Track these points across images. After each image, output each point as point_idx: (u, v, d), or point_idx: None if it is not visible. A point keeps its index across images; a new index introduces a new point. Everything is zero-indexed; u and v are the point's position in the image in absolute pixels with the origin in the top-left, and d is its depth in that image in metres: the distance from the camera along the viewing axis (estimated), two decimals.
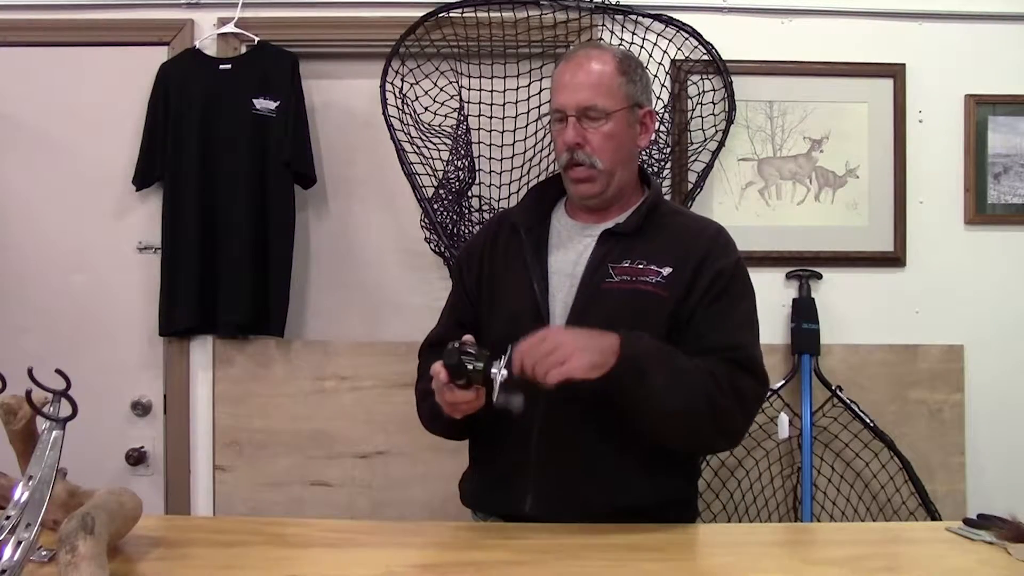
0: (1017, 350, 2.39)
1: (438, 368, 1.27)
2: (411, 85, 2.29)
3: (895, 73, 2.38)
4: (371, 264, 2.45)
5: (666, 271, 1.41)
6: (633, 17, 2.32)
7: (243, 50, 2.36)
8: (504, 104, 2.30)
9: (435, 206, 2.23)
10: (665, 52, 2.33)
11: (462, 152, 2.28)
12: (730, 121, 2.31)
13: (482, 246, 1.58)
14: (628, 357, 1.26)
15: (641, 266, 1.41)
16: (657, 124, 2.26)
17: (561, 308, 1.42)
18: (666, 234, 1.46)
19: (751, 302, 1.46)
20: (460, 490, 1.54)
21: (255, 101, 2.28)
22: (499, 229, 1.57)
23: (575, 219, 1.52)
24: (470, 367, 1.24)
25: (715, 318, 1.39)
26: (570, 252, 1.47)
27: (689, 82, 2.33)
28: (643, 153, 2.22)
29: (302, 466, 2.35)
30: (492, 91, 2.30)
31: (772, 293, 2.35)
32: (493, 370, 1.24)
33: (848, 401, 2.28)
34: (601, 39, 2.31)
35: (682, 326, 1.40)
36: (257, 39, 2.33)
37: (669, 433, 1.36)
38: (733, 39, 2.34)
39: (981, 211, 2.40)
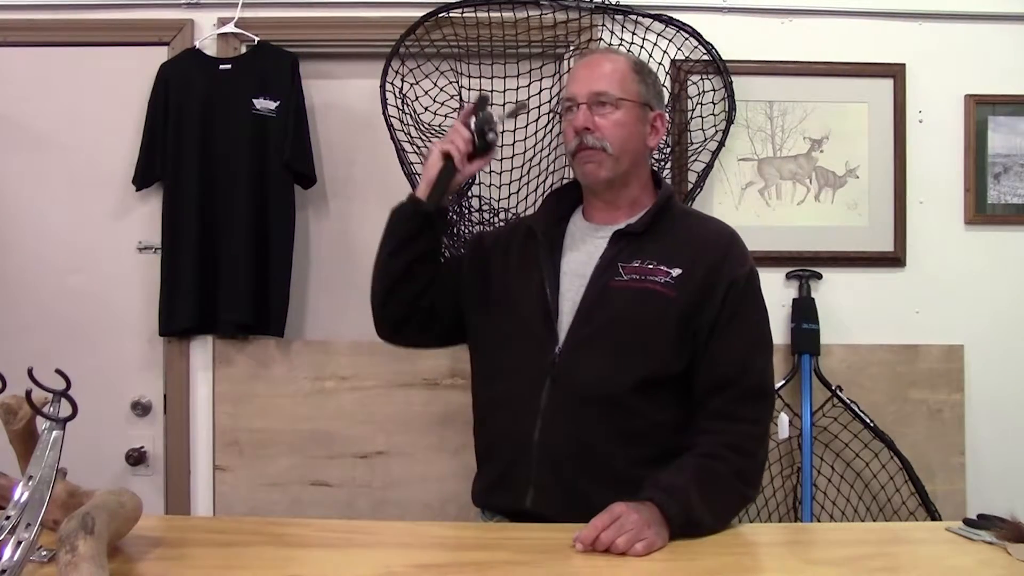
0: (1017, 350, 2.39)
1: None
2: (411, 85, 2.29)
3: (895, 73, 2.38)
4: (371, 264, 2.44)
5: (675, 272, 1.42)
6: (633, 17, 2.32)
7: (243, 50, 2.36)
8: (504, 104, 2.30)
9: None
10: (665, 52, 2.33)
11: None
12: (730, 121, 2.31)
13: (495, 239, 1.63)
14: (679, 525, 1.24)
15: (651, 266, 1.43)
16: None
17: (569, 307, 1.44)
18: (677, 236, 1.47)
19: (763, 314, 1.48)
20: (472, 490, 1.54)
21: (255, 101, 2.28)
22: (515, 231, 1.61)
23: (590, 221, 1.54)
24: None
25: (731, 340, 1.41)
26: (581, 253, 1.49)
27: (689, 82, 2.33)
28: None
29: (302, 466, 2.35)
30: (492, 91, 2.29)
31: (772, 293, 2.32)
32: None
33: (848, 401, 2.28)
34: (601, 39, 2.31)
35: (696, 339, 1.41)
36: (257, 39, 2.33)
37: None
38: (733, 39, 2.34)
39: (981, 211, 2.40)
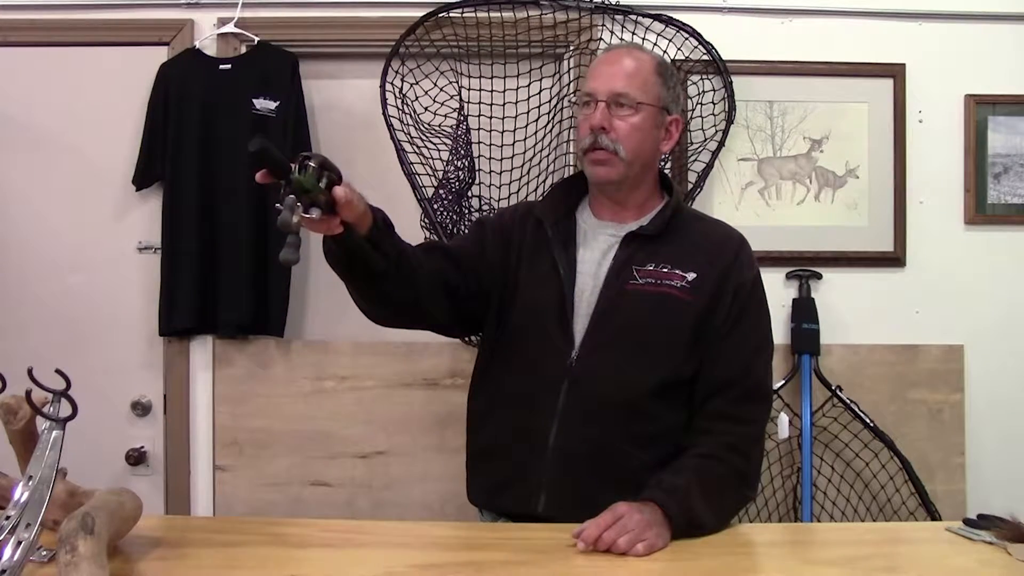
0: (1017, 350, 2.39)
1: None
2: (411, 85, 2.29)
3: (895, 73, 2.38)
4: None
5: (691, 276, 1.42)
6: (633, 17, 2.32)
7: (243, 50, 2.36)
8: (504, 104, 2.30)
9: (435, 206, 2.23)
10: (665, 52, 2.33)
11: (462, 152, 2.29)
12: (730, 121, 2.31)
13: (512, 227, 1.54)
14: (681, 525, 1.25)
15: (666, 270, 1.43)
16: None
17: (584, 308, 1.43)
18: (690, 240, 1.47)
19: (767, 316, 1.49)
20: (468, 485, 1.53)
21: (255, 101, 2.28)
22: (523, 218, 1.55)
23: (598, 217, 1.53)
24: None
25: (735, 342, 1.42)
26: (594, 252, 1.48)
27: (689, 82, 2.33)
28: None
29: (302, 466, 2.35)
30: (492, 91, 2.30)
31: (772, 293, 2.29)
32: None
33: (848, 401, 2.28)
34: (601, 39, 2.31)
35: (705, 341, 1.42)
36: (257, 39, 2.33)
37: None
38: (733, 39, 2.34)
39: (981, 211, 2.40)
